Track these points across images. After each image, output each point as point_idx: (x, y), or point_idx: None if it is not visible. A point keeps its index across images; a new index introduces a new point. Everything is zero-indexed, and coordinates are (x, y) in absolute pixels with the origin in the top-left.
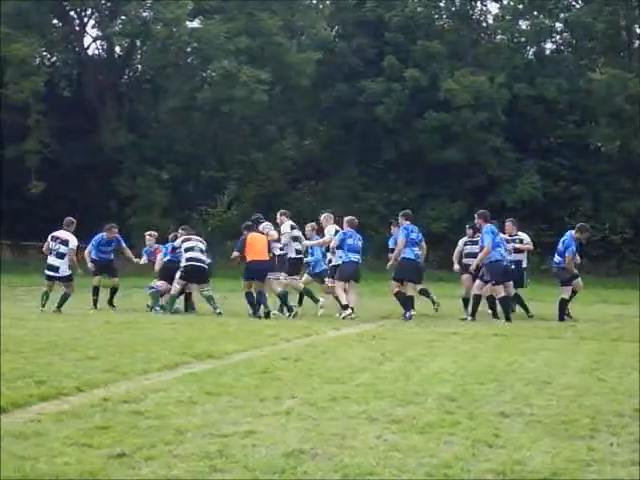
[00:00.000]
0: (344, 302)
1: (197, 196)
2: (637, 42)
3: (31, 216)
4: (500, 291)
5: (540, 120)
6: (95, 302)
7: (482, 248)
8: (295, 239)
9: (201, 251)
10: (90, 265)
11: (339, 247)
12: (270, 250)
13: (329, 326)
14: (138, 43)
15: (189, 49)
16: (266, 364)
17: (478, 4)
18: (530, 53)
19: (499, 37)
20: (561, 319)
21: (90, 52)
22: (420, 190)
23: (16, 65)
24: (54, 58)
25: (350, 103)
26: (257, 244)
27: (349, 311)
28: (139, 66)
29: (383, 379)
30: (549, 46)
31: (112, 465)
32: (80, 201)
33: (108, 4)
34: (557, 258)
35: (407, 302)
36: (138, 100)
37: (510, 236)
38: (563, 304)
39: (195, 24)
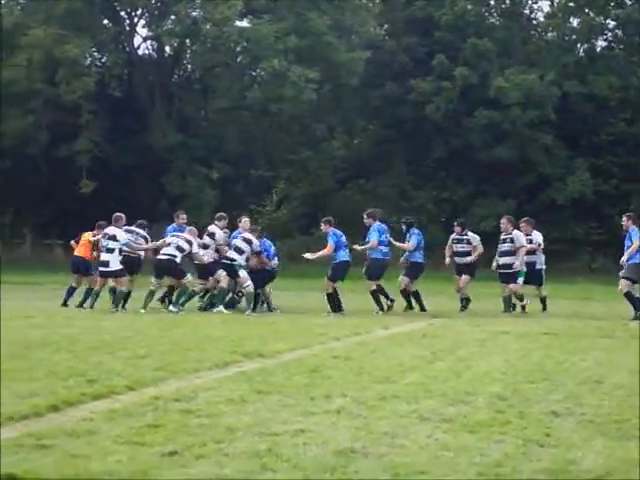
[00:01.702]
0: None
1: (247, 195)
2: None
3: (82, 215)
4: (371, 285)
5: (591, 118)
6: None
7: (371, 242)
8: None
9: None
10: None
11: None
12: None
13: (378, 325)
14: (188, 43)
15: (238, 49)
16: (316, 363)
17: (529, 2)
18: (581, 50)
19: (550, 35)
20: None
21: (140, 52)
22: (470, 188)
23: (67, 66)
24: (105, 58)
25: (399, 102)
26: (83, 242)
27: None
28: (189, 66)
29: (433, 378)
30: (600, 43)
31: (163, 463)
32: (130, 200)
33: (158, 4)
34: None
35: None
36: (188, 100)
37: (527, 235)
38: None
39: (244, 24)
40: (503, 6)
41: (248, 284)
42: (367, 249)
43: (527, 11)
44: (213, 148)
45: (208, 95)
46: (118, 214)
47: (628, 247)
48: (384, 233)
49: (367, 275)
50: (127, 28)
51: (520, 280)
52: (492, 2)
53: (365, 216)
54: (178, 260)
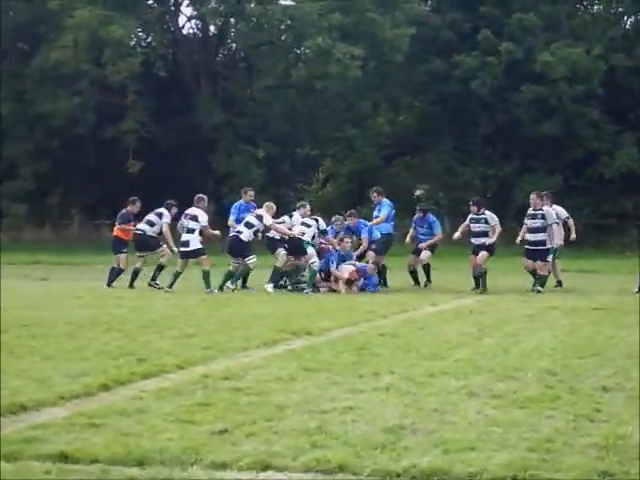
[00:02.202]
0: None
1: (293, 174)
2: None
3: (129, 195)
4: (380, 260)
5: (638, 91)
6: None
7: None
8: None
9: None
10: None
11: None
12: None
13: (426, 302)
14: (232, 21)
15: (283, 27)
16: (364, 340)
17: None
18: (628, 23)
19: (596, 8)
20: None
21: (185, 32)
22: (516, 164)
23: (113, 46)
24: (149, 38)
25: (444, 78)
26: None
27: None
28: (233, 45)
29: (482, 354)
30: None
31: (214, 441)
32: (177, 180)
33: None
34: None
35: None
36: (233, 79)
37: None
38: None
39: (288, 2)
40: None
41: (314, 261)
42: (379, 223)
43: None
44: (259, 127)
45: (253, 74)
46: (200, 195)
47: None
48: (393, 208)
49: (376, 249)
50: (172, 8)
51: (550, 257)
52: None
53: (375, 193)
54: (244, 237)
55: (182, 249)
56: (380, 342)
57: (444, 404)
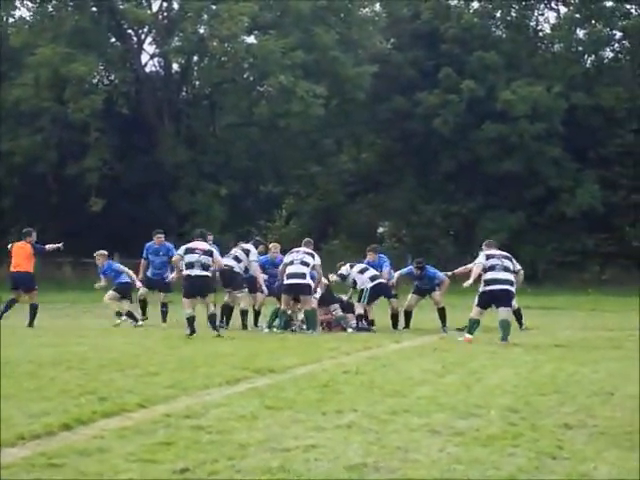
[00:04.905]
0: None
1: (256, 211)
2: None
3: (91, 233)
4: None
5: (598, 129)
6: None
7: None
8: None
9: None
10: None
11: None
12: None
13: (390, 339)
14: (195, 59)
15: (245, 65)
16: (327, 378)
17: (535, 14)
18: (588, 62)
19: (556, 46)
20: None
21: (147, 69)
22: (479, 201)
23: (75, 84)
24: (112, 76)
25: (407, 115)
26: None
27: None
28: (196, 82)
29: (444, 391)
30: (607, 54)
31: None
32: (139, 217)
33: (165, 22)
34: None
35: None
36: (196, 116)
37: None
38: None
39: (251, 40)
40: (509, 18)
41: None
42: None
43: (533, 23)
44: (222, 164)
45: (216, 111)
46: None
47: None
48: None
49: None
50: (134, 46)
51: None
52: (498, 15)
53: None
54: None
55: (298, 281)
56: (343, 379)
57: (407, 442)
